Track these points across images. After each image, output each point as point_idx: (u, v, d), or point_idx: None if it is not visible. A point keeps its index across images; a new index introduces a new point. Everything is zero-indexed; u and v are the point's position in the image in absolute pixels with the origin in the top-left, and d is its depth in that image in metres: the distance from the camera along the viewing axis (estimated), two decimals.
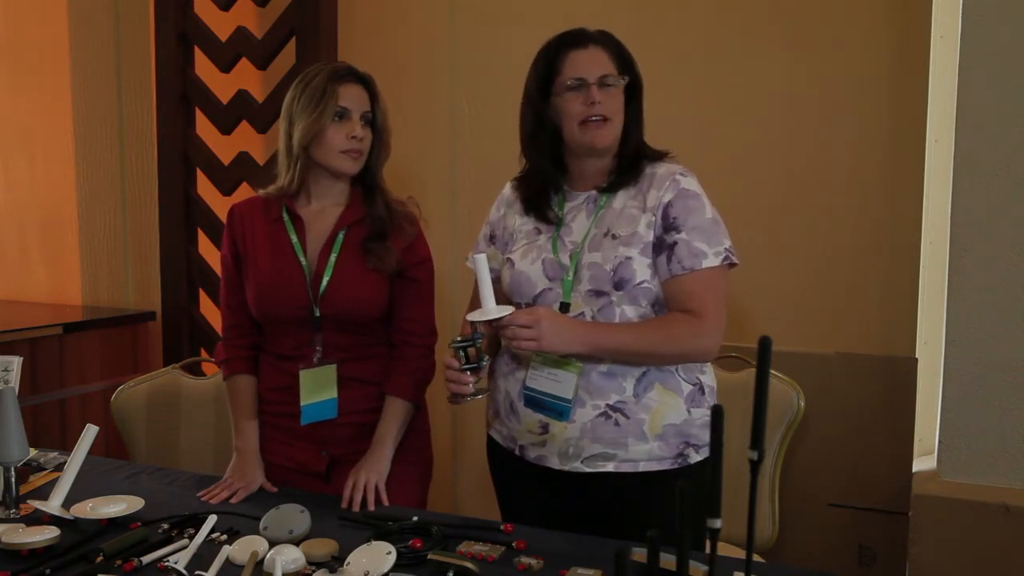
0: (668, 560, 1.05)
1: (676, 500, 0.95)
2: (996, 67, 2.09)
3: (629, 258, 1.64)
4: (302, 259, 1.89)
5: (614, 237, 1.67)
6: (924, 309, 2.53)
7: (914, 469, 2.40)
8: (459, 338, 1.59)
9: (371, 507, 1.76)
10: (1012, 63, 2.08)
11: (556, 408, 1.65)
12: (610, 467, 1.66)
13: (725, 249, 1.66)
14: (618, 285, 1.64)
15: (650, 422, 1.65)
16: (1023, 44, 2.07)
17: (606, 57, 1.70)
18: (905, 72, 2.49)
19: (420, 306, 1.94)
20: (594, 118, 1.67)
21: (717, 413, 0.93)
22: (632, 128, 1.74)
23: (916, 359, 2.47)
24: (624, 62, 1.72)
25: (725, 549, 1.88)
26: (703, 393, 1.71)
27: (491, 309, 1.56)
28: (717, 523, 0.98)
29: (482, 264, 1.57)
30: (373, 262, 1.88)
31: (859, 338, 2.56)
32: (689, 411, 1.68)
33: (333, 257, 1.89)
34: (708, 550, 1.00)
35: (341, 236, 1.90)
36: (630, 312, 1.66)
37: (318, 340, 1.88)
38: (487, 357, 1.62)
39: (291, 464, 1.94)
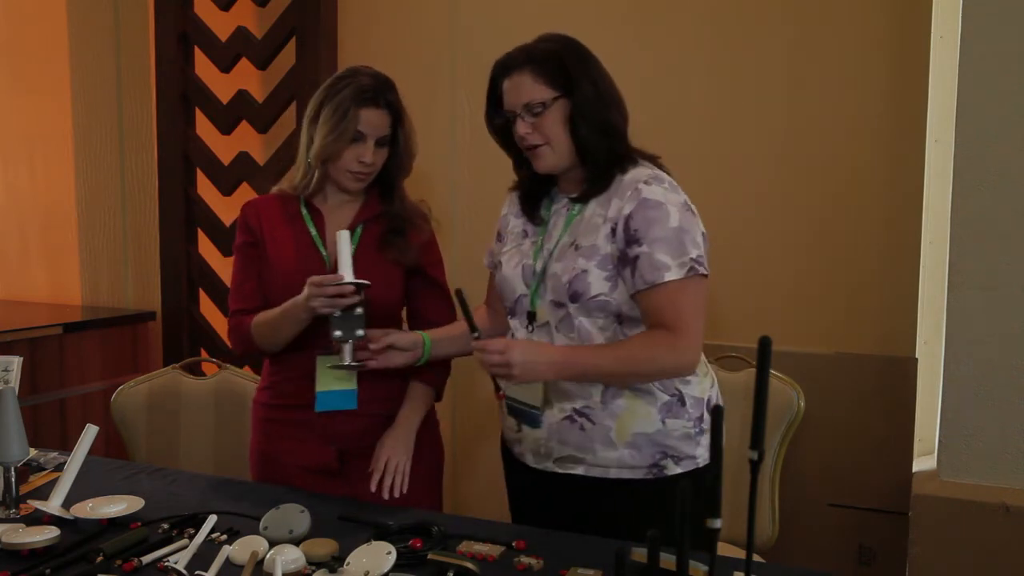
0: (668, 560, 1.05)
1: (677, 500, 0.95)
2: (996, 67, 2.09)
3: (585, 271, 1.61)
4: (322, 250, 1.92)
5: (576, 248, 1.64)
6: (924, 309, 2.53)
7: (914, 469, 2.40)
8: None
9: (396, 493, 1.78)
10: (1012, 63, 2.08)
11: (529, 416, 1.68)
12: (580, 470, 1.66)
13: (691, 259, 1.57)
14: (573, 297, 1.61)
15: (617, 429, 1.63)
16: (1023, 44, 2.07)
17: (529, 80, 1.62)
18: (905, 72, 2.49)
19: (445, 309, 1.98)
20: (527, 146, 1.67)
21: (717, 413, 0.93)
22: (586, 135, 1.62)
23: (916, 359, 2.47)
24: (554, 74, 1.62)
25: (725, 549, 1.88)
26: (683, 404, 1.65)
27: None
28: (717, 523, 0.98)
29: (343, 239, 1.75)
30: (393, 254, 1.91)
31: (859, 338, 2.56)
32: (664, 421, 1.63)
33: (353, 248, 1.90)
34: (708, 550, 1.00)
35: (359, 230, 1.93)
36: (587, 325, 1.62)
37: None
38: (361, 332, 1.72)
39: (300, 460, 1.93)
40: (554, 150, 1.65)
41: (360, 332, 1.70)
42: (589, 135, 1.63)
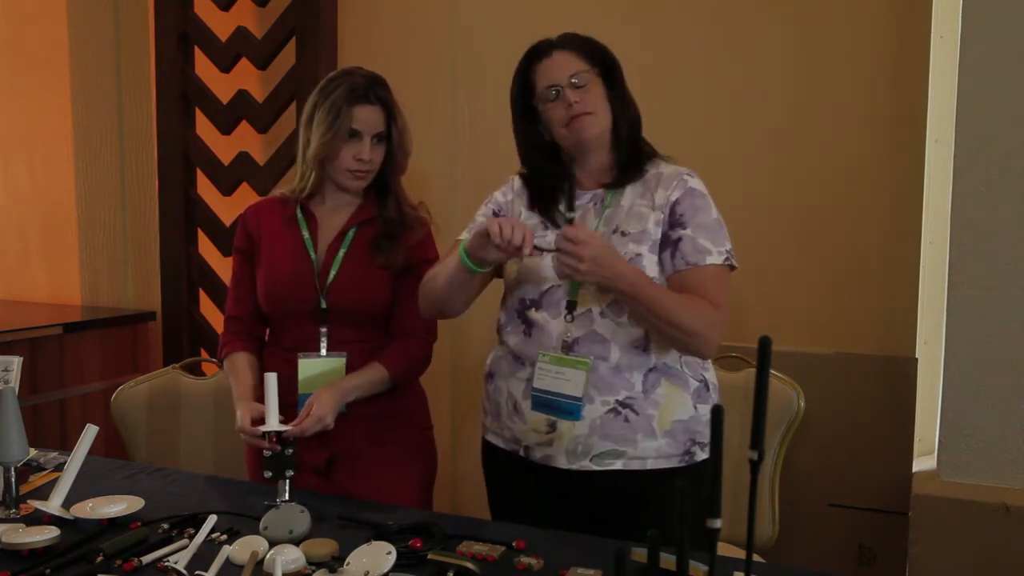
0: (668, 560, 1.05)
1: (676, 499, 0.95)
2: (996, 67, 2.09)
3: (639, 255, 1.66)
4: (312, 253, 1.94)
5: (624, 234, 1.68)
6: (924, 309, 2.53)
7: (914, 469, 2.40)
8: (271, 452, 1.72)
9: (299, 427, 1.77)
10: (1012, 63, 2.08)
11: (566, 408, 1.64)
12: (619, 465, 1.66)
13: (727, 251, 1.68)
14: None
15: (659, 418, 1.65)
16: (1023, 44, 2.07)
17: (572, 57, 1.71)
18: (905, 72, 2.49)
19: None
20: (576, 114, 1.69)
21: (717, 413, 0.93)
22: (619, 118, 1.73)
23: (916, 359, 2.47)
24: (593, 55, 1.72)
25: (725, 549, 1.87)
26: (708, 390, 1.72)
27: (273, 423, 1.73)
28: (717, 523, 0.98)
29: (270, 382, 1.73)
30: (381, 259, 1.92)
31: (859, 338, 2.56)
32: (696, 407, 1.69)
33: (341, 252, 1.93)
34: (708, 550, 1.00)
35: (351, 233, 1.95)
36: None
37: (323, 333, 1.92)
38: (290, 473, 1.71)
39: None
40: (599, 120, 1.71)
41: (289, 473, 1.72)
42: (622, 118, 1.73)
